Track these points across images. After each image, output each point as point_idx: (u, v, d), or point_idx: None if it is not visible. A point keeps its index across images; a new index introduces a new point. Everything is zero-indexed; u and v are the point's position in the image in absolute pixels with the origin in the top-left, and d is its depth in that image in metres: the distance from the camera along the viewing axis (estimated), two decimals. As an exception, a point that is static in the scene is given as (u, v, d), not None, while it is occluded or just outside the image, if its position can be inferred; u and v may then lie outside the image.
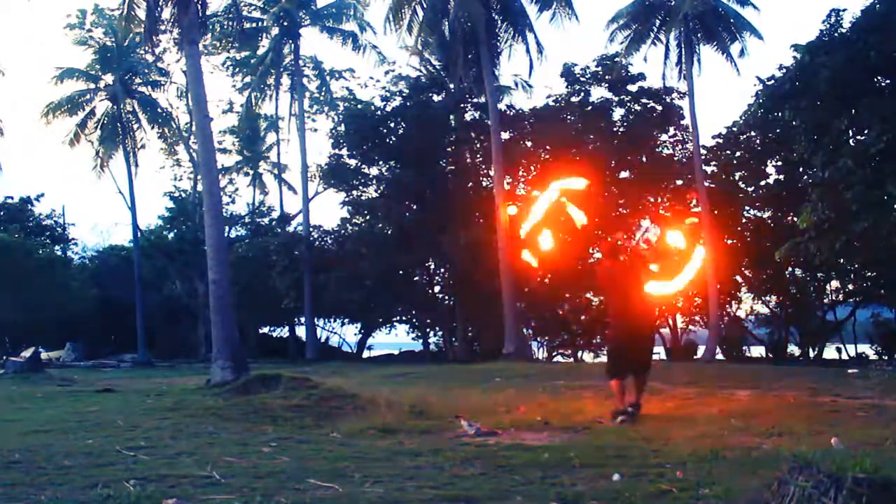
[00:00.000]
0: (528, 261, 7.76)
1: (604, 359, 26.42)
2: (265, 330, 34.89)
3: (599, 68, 26.51)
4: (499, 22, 24.68)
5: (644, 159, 26.67)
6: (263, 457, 5.46)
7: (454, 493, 4.23)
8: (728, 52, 23.68)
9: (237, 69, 33.49)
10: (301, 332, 31.62)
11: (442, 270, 28.87)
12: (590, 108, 26.76)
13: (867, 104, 16.17)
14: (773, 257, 19.57)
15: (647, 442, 5.87)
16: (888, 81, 16.89)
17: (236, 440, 6.30)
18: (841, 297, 24.62)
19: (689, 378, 11.28)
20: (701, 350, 24.16)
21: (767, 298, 25.63)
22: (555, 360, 27.60)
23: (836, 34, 17.44)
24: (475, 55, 23.92)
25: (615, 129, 26.86)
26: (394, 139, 27.28)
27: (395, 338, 32.02)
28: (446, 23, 24.38)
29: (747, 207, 25.15)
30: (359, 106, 28.94)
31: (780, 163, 23.83)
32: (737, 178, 25.28)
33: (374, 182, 28.52)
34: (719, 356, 23.14)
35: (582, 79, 26.79)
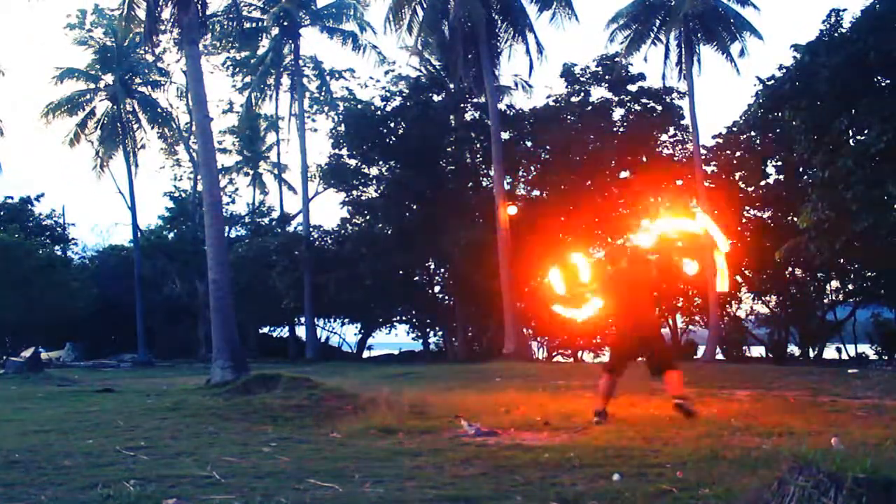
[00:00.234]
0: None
1: (604, 359, 26.53)
2: (265, 330, 34.91)
3: (599, 68, 26.50)
4: (499, 22, 24.68)
5: (644, 159, 26.65)
6: (263, 457, 5.46)
7: (454, 493, 4.23)
8: (728, 52, 23.68)
9: (237, 69, 33.51)
10: (301, 332, 31.65)
11: (442, 270, 28.88)
12: (590, 108, 26.76)
13: (867, 104, 16.18)
14: (773, 257, 19.57)
15: (647, 442, 5.87)
16: (888, 81, 16.89)
17: (236, 440, 6.30)
18: (841, 297, 24.60)
19: (689, 378, 11.21)
20: (701, 350, 24.15)
21: (767, 298, 25.63)
22: (555, 360, 27.58)
23: (835, 34, 17.45)
24: (475, 55, 23.92)
25: (615, 129, 26.85)
26: (394, 139, 27.29)
27: (395, 338, 32.06)
28: (446, 23, 24.38)
29: (747, 207, 25.14)
30: (359, 106, 28.94)
31: (780, 163, 23.82)
32: (737, 178, 25.27)
33: (374, 182, 28.53)
34: (719, 356, 23.13)
35: (582, 79, 26.79)
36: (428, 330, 30.70)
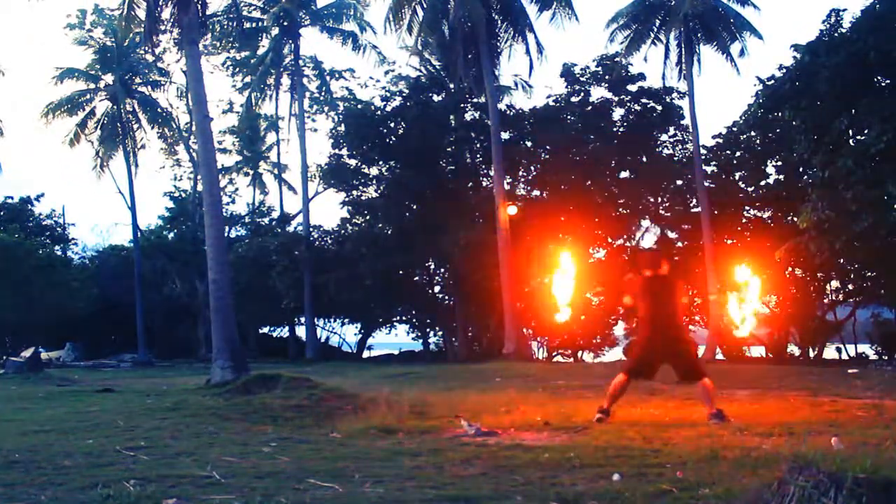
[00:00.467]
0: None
1: (603, 359, 26.54)
2: (265, 330, 34.90)
3: (599, 68, 26.50)
4: (499, 22, 24.68)
5: (644, 159, 26.66)
6: (263, 457, 5.46)
7: (454, 493, 4.22)
8: (728, 52, 23.70)
9: (237, 69, 33.50)
10: (301, 332, 31.65)
11: (442, 270, 28.87)
12: (590, 108, 26.75)
13: (867, 104, 16.18)
14: (773, 257, 19.57)
15: (647, 442, 5.87)
16: (888, 81, 16.90)
17: (236, 440, 6.29)
18: (841, 297, 24.58)
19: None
20: (701, 350, 24.13)
21: (767, 298, 25.62)
22: (555, 360, 27.58)
23: (836, 34, 17.46)
24: (475, 55, 23.92)
25: (615, 129, 26.85)
26: (394, 139, 27.29)
27: (395, 338, 32.04)
28: (446, 23, 24.38)
29: (747, 207, 25.14)
30: (359, 106, 28.94)
31: (780, 163, 23.81)
32: (737, 178, 25.27)
33: (374, 182, 28.52)
34: (719, 356, 23.12)
35: (582, 79, 26.78)
36: (428, 330, 30.70)
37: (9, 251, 24.70)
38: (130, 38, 28.25)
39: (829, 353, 25.20)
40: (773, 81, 20.59)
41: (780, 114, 19.61)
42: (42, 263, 26.31)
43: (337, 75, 32.95)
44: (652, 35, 24.45)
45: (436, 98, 28.18)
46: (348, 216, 29.76)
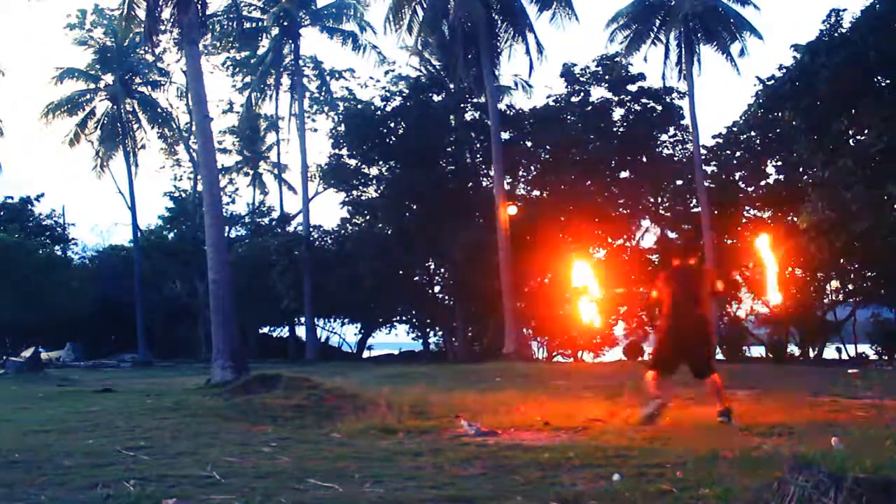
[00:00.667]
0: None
1: (603, 359, 26.55)
2: (265, 330, 34.88)
3: (599, 68, 26.50)
4: (499, 22, 24.68)
5: (644, 159, 26.66)
6: (263, 457, 5.46)
7: (454, 493, 4.23)
8: (728, 52, 23.67)
9: (237, 69, 33.50)
10: (301, 332, 31.64)
11: (442, 270, 28.87)
12: (590, 108, 26.75)
13: (867, 104, 16.20)
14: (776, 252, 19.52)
15: (648, 442, 5.87)
16: (888, 81, 16.91)
17: (236, 440, 6.29)
18: (841, 297, 24.58)
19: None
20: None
21: (767, 298, 25.60)
22: (555, 360, 27.58)
23: (835, 34, 17.47)
24: (475, 55, 23.93)
25: (615, 129, 26.84)
26: (394, 139, 27.29)
27: (395, 338, 32.03)
28: (446, 23, 24.37)
29: (747, 207, 25.13)
30: (359, 106, 28.94)
31: (780, 163, 23.81)
32: (737, 178, 25.26)
33: (374, 182, 28.52)
34: (719, 356, 23.12)
35: (582, 79, 26.78)
36: (428, 330, 30.69)
37: (9, 251, 24.71)
38: (130, 38, 28.28)
39: (829, 353, 25.19)
40: (773, 81, 20.58)
41: (780, 114, 19.63)
42: (42, 263, 26.31)
43: (337, 75, 32.97)
44: (652, 35, 24.43)
45: (436, 98, 28.18)
46: (348, 216, 29.77)
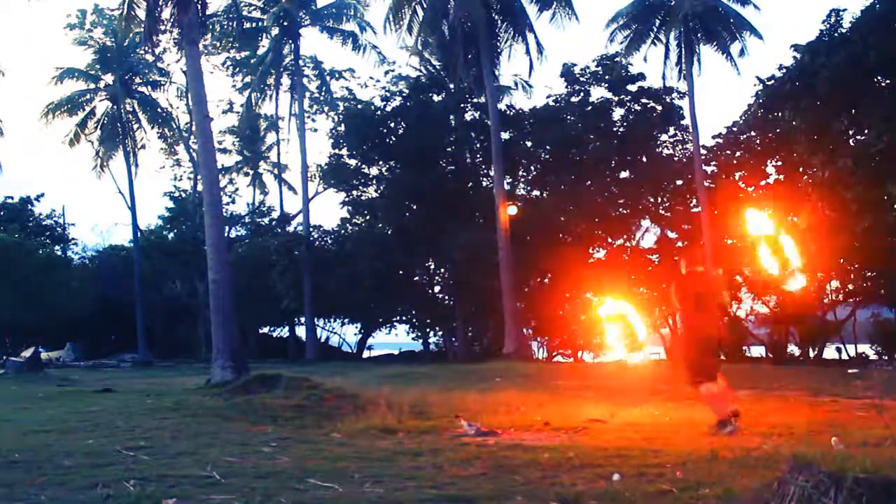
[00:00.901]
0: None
1: (604, 359, 26.53)
2: (265, 330, 34.87)
3: (599, 68, 26.47)
4: (499, 22, 24.69)
5: (644, 159, 26.64)
6: (263, 457, 5.46)
7: (454, 493, 4.23)
8: (728, 52, 23.66)
9: (237, 69, 33.50)
10: (301, 332, 31.64)
11: (442, 270, 28.87)
12: (590, 108, 26.73)
13: (867, 104, 16.21)
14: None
15: (648, 442, 5.87)
16: (888, 81, 16.91)
17: (236, 440, 6.30)
18: (841, 297, 24.58)
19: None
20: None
21: (767, 298, 25.61)
22: (555, 360, 27.58)
23: (836, 34, 17.48)
24: (475, 55, 23.94)
25: (615, 129, 26.83)
26: (394, 139, 27.29)
27: (395, 338, 32.02)
28: (446, 23, 24.38)
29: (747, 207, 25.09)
30: (359, 106, 28.94)
31: (780, 163, 23.81)
32: (737, 178, 25.25)
33: (374, 182, 28.52)
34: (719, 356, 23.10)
35: (582, 79, 26.76)
36: (428, 330, 30.68)
37: (9, 251, 24.70)
38: (130, 38, 28.27)
39: (829, 353, 25.19)
40: (773, 81, 20.58)
41: (780, 114, 19.62)
42: (42, 263, 26.30)
43: (337, 75, 32.97)
44: (652, 35, 24.42)
45: (436, 98, 28.18)
46: (348, 216, 29.76)
